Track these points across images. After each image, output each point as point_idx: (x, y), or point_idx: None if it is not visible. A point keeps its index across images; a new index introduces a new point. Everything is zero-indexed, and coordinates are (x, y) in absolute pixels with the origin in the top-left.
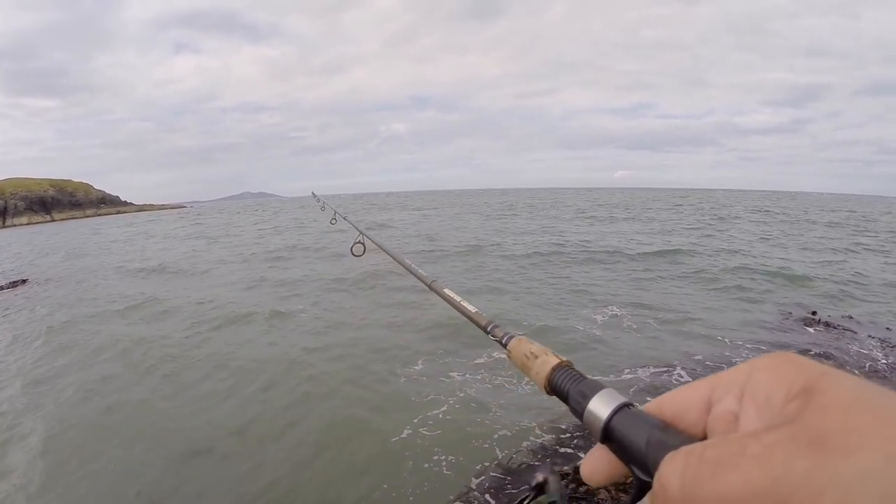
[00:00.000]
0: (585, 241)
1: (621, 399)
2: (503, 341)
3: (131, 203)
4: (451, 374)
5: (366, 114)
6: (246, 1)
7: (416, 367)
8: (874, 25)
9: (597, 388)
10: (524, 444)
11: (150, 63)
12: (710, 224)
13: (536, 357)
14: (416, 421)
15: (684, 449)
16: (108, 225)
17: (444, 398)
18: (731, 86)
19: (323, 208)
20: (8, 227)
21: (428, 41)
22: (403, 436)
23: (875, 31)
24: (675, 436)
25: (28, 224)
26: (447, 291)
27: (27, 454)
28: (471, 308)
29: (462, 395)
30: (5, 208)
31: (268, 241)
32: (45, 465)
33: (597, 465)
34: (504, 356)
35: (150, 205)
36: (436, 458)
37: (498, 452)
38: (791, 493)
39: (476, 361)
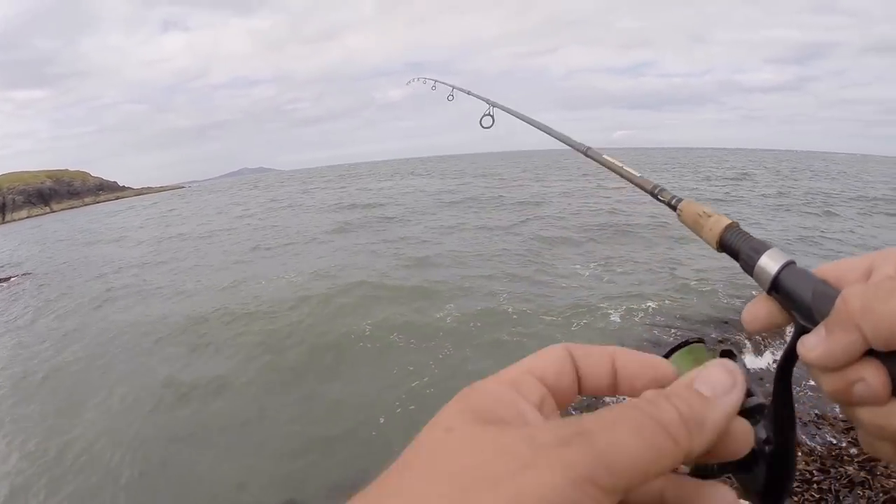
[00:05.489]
0: None
1: (788, 257)
2: (672, 203)
3: (129, 187)
4: None
5: (361, 81)
6: None
7: None
8: None
9: (766, 246)
10: None
11: (139, 43)
12: None
13: (710, 216)
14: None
15: (863, 283)
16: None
17: None
18: (735, 43)
19: None
20: (8, 222)
21: (423, 2)
22: None
23: None
24: (835, 290)
25: (28, 217)
26: (607, 157)
27: None
28: (634, 172)
29: None
30: (3, 204)
31: None
32: None
33: (758, 312)
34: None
35: (148, 188)
36: None
37: None
38: None
39: None
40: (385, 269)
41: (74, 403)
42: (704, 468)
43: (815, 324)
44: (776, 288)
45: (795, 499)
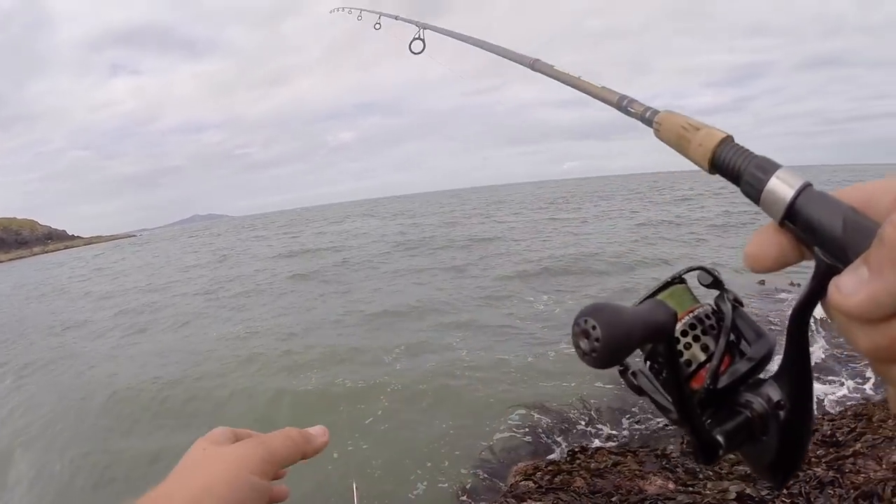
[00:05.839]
0: None
1: (803, 178)
2: (646, 116)
3: (79, 236)
4: None
5: (311, 125)
6: (181, 16)
7: None
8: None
9: (775, 164)
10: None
11: (87, 87)
12: None
13: (698, 129)
14: None
15: None
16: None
17: None
18: (674, 70)
19: None
20: None
21: (370, 46)
22: None
23: (814, 4)
24: (870, 219)
25: None
26: (558, 69)
27: None
28: (594, 83)
29: None
30: None
31: None
32: None
33: (767, 247)
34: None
35: (98, 236)
36: None
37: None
38: None
39: None
40: (337, 323)
41: (5, 465)
42: (711, 445)
43: (847, 262)
44: (791, 217)
45: None
